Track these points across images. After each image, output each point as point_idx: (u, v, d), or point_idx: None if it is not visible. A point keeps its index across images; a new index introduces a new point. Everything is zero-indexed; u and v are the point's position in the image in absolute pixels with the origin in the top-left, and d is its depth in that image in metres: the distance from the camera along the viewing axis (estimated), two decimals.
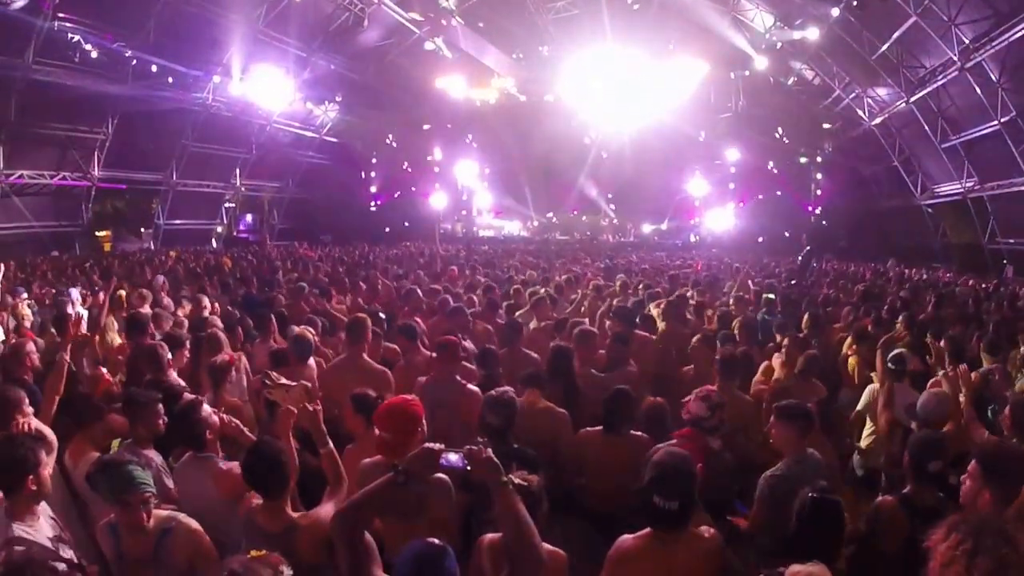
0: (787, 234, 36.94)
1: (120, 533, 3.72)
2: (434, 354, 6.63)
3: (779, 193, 39.15)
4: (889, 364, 6.59)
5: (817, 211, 38.19)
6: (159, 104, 25.15)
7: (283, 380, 4.48)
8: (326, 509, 3.87)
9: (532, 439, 5.16)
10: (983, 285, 18.31)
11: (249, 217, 38.90)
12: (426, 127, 40.29)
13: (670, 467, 3.53)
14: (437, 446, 3.28)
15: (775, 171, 39.00)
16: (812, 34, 27.28)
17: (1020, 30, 19.09)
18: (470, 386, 6.07)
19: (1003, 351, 7.87)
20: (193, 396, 5.27)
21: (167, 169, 30.06)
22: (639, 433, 5.30)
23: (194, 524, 3.82)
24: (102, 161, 26.58)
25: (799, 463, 4.64)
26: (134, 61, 23.38)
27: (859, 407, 6.90)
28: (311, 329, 7.95)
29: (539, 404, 5.75)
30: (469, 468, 3.23)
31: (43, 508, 3.68)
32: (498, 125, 39.50)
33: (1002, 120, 22.20)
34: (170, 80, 25.02)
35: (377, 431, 4.27)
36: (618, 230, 42.18)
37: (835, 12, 24.45)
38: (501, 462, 3.26)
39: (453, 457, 3.22)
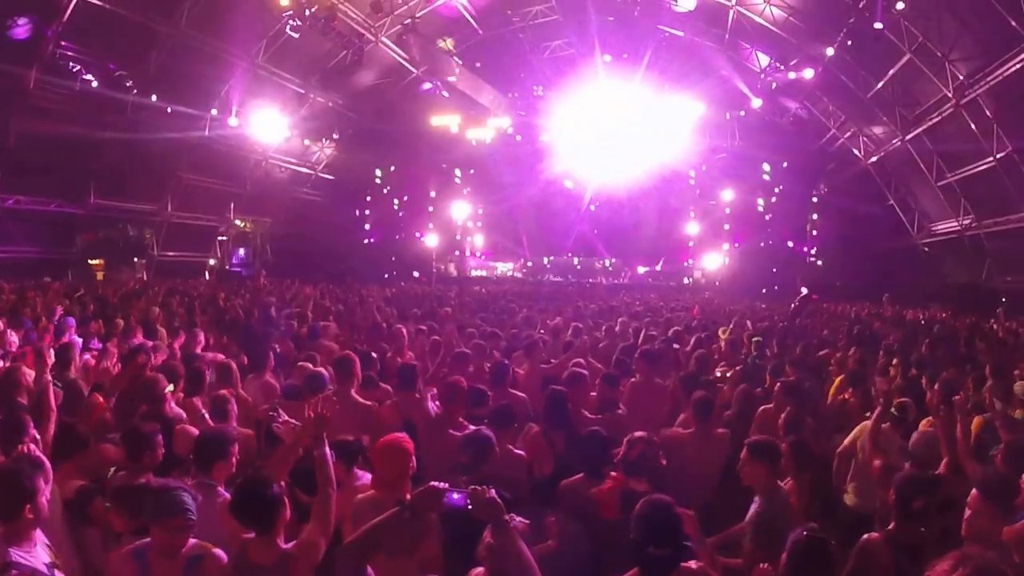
0: (774, 270, 37.09)
1: (148, 559, 3.78)
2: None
3: (773, 233, 39.19)
4: (893, 411, 6.77)
5: (813, 252, 38.23)
6: (156, 135, 25.14)
7: (292, 421, 4.74)
8: (314, 538, 3.97)
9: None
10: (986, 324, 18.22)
11: (242, 251, 38.80)
12: (421, 166, 40.41)
13: (656, 519, 3.66)
14: (442, 485, 3.46)
15: (770, 212, 39.14)
16: (808, 74, 27.50)
17: (1013, 66, 19.22)
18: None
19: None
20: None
21: (162, 200, 29.96)
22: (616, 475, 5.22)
23: (223, 558, 3.87)
24: (97, 190, 26.46)
25: (771, 498, 4.92)
26: (134, 91, 23.40)
27: (846, 443, 6.85)
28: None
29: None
30: (471, 507, 3.35)
31: (39, 534, 3.76)
32: (493, 165, 39.69)
33: (998, 156, 22.27)
34: (169, 111, 25.06)
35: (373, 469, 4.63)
36: (612, 272, 41.99)
37: (830, 51, 24.67)
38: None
39: (456, 496, 3.39)
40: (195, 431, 5.62)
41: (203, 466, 4.65)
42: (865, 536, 4.27)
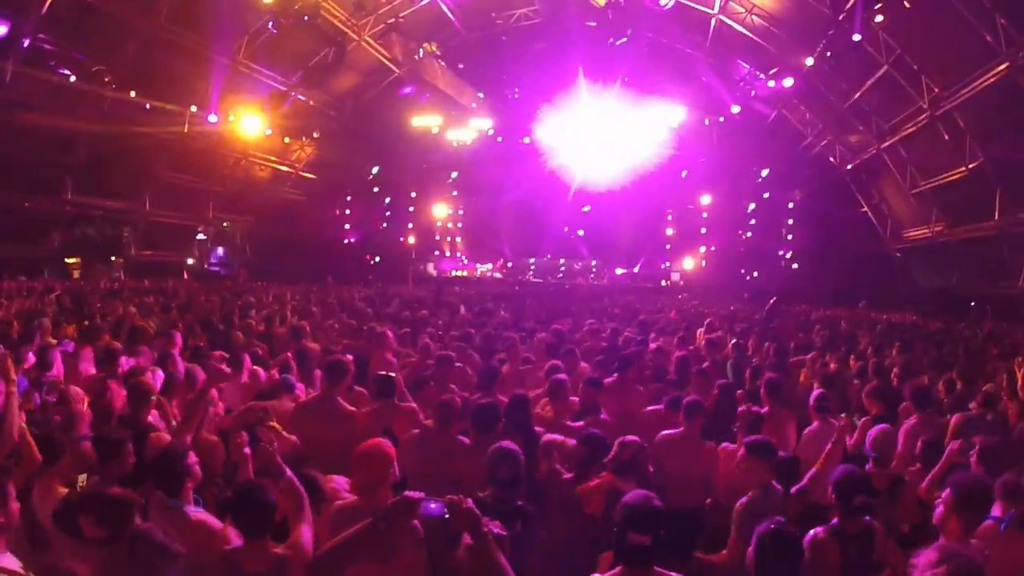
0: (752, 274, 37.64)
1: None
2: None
3: (749, 238, 39.71)
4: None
5: (788, 256, 38.73)
6: (135, 132, 24.94)
7: (279, 427, 4.71)
8: (304, 535, 3.96)
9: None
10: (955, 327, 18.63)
11: (221, 250, 38.54)
12: (402, 166, 40.42)
13: (638, 506, 3.70)
14: (416, 495, 3.51)
15: (746, 216, 39.62)
16: (787, 82, 27.84)
17: (987, 80, 19.66)
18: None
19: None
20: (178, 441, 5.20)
21: (139, 198, 29.66)
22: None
23: None
24: (74, 186, 26.17)
25: (765, 494, 5.09)
26: (112, 86, 23.19)
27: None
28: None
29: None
30: (448, 517, 3.40)
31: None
32: (474, 166, 39.86)
33: (970, 166, 22.74)
34: (148, 107, 24.89)
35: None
36: (592, 274, 42.23)
37: (809, 61, 25.00)
38: (505, 517, 3.58)
39: (433, 506, 3.42)
40: (168, 439, 5.55)
41: (164, 483, 4.51)
42: (812, 531, 4.41)
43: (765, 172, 37.34)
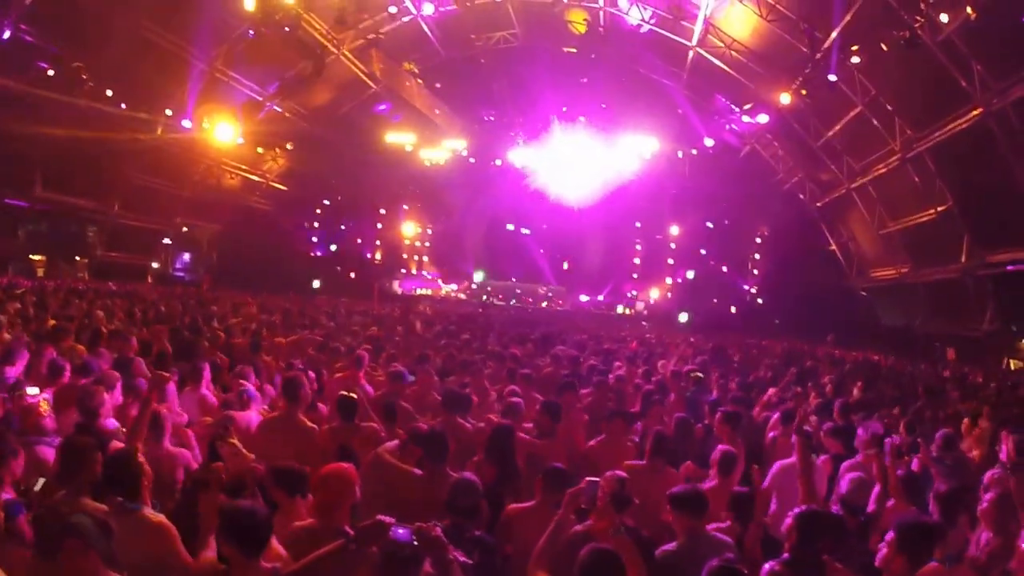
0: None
1: None
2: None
3: (715, 269, 40.01)
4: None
5: (753, 289, 39.03)
6: (109, 132, 24.62)
7: (238, 444, 4.74)
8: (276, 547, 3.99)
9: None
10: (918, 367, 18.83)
11: (187, 256, 38.05)
12: (374, 182, 40.22)
13: (596, 568, 3.68)
14: (388, 519, 3.58)
15: (714, 248, 39.91)
16: (762, 118, 28.15)
17: (959, 125, 20.00)
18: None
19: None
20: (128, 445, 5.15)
21: (109, 199, 29.20)
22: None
23: None
24: (44, 183, 25.71)
25: (692, 541, 4.86)
26: (89, 84, 22.85)
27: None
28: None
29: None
30: (416, 543, 3.45)
31: None
32: (445, 185, 39.81)
33: (939, 210, 23.09)
34: (123, 107, 24.58)
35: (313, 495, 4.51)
36: (556, 299, 42.15)
37: (785, 98, 25.21)
38: (464, 547, 3.61)
39: (402, 532, 3.47)
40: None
41: (121, 487, 4.42)
42: (767, 566, 4.42)
43: (732, 205, 37.58)
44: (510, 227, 41.55)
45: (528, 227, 40.92)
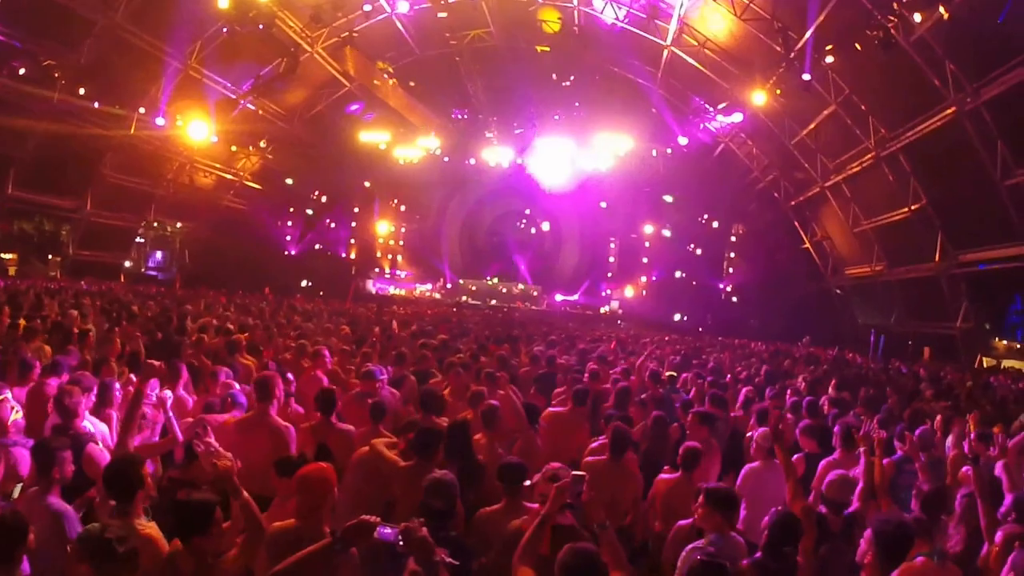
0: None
1: None
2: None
3: (690, 269, 40.08)
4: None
5: (728, 288, 39.19)
6: (82, 129, 24.36)
7: (215, 444, 4.57)
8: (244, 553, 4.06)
9: None
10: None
11: (159, 254, 37.64)
12: (348, 181, 40.00)
13: (577, 568, 3.60)
14: (373, 519, 3.54)
15: (688, 248, 39.99)
16: (736, 117, 28.27)
17: (933, 124, 20.18)
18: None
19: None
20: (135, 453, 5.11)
21: (82, 197, 28.82)
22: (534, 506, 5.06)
23: None
24: (16, 180, 25.33)
25: (721, 541, 4.88)
26: (63, 82, 22.52)
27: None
28: None
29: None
30: (402, 543, 3.41)
31: None
32: (420, 184, 39.77)
33: (912, 208, 23.27)
34: (96, 105, 24.25)
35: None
36: (531, 299, 42.09)
37: (759, 97, 25.24)
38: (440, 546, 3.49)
39: (387, 531, 3.45)
40: (104, 454, 5.47)
41: (116, 492, 4.37)
42: (737, 568, 4.44)
43: (707, 205, 37.70)
44: (484, 226, 41.44)
45: (503, 226, 40.82)
